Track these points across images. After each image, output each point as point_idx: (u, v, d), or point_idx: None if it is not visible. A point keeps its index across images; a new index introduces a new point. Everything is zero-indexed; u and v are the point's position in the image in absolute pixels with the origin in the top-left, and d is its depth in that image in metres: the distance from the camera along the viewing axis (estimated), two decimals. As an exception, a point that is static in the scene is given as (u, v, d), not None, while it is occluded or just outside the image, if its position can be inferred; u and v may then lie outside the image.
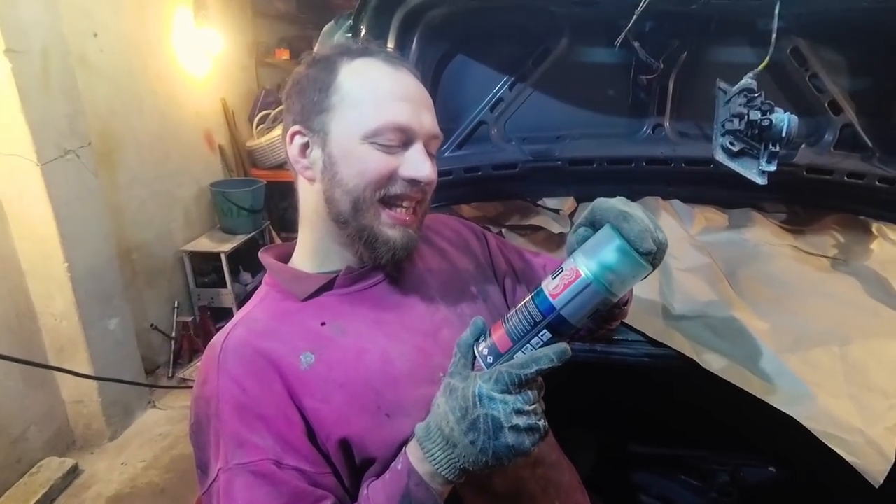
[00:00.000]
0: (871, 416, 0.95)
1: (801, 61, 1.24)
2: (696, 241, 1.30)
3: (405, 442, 0.59)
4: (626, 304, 0.81)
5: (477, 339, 0.58)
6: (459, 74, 1.33)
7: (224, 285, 2.80)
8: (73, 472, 2.08)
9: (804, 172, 1.27)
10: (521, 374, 0.53)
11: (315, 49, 1.42)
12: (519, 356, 0.55)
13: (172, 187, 2.76)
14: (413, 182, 0.65)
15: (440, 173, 1.34)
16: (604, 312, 0.57)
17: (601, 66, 1.30)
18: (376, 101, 0.65)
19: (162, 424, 2.34)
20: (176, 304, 2.75)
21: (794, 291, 1.18)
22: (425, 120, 0.67)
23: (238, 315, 0.69)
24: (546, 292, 0.55)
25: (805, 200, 1.36)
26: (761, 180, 0.94)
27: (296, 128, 0.68)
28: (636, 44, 1.07)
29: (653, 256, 0.56)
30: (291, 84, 0.70)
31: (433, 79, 1.32)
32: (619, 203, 0.59)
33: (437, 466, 0.54)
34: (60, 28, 1.99)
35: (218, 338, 0.65)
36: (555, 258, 0.93)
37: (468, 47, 1.30)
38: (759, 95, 0.93)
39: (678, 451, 1.50)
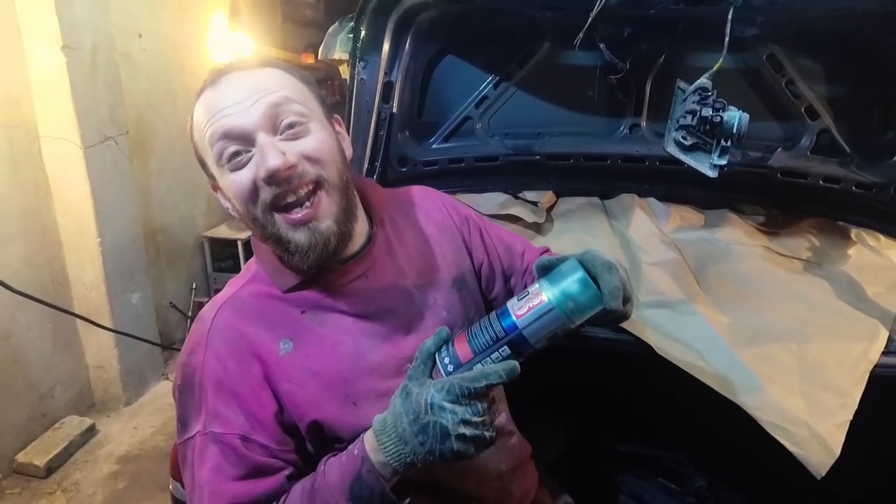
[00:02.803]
0: (822, 412, 0.96)
1: (777, 68, 1.28)
2: (668, 238, 1.32)
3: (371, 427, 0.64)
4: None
5: (440, 348, 0.62)
6: (448, 73, 1.42)
7: (239, 271, 2.91)
8: (91, 431, 2.26)
9: (778, 175, 1.30)
10: (470, 388, 0.57)
11: (320, 50, 1.55)
12: (471, 371, 0.59)
13: (197, 177, 2.87)
14: (271, 178, 0.63)
15: (426, 163, 1.46)
16: (561, 336, 0.61)
17: (581, 69, 1.37)
18: (205, 132, 0.66)
19: (172, 396, 2.50)
20: (194, 286, 2.93)
21: (761, 290, 1.19)
22: (252, 109, 0.64)
23: (229, 288, 0.75)
24: (511, 312, 0.60)
25: (780, 203, 1.38)
26: (712, 173, 0.98)
27: (210, 181, 0.72)
28: (602, 45, 1.14)
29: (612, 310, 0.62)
30: None
31: (424, 76, 1.42)
32: (608, 256, 0.65)
33: (388, 458, 0.58)
34: (109, 28, 2.21)
35: (208, 312, 0.71)
36: (534, 246, 0.97)
37: (457, 48, 1.39)
38: (712, 94, 0.98)
39: (654, 451, 1.51)
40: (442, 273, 0.82)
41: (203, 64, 2.91)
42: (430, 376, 0.61)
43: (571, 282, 0.60)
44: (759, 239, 1.34)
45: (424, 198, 0.90)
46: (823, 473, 0.91)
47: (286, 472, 0.66)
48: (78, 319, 2.29)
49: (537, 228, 1.40)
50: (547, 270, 0.65)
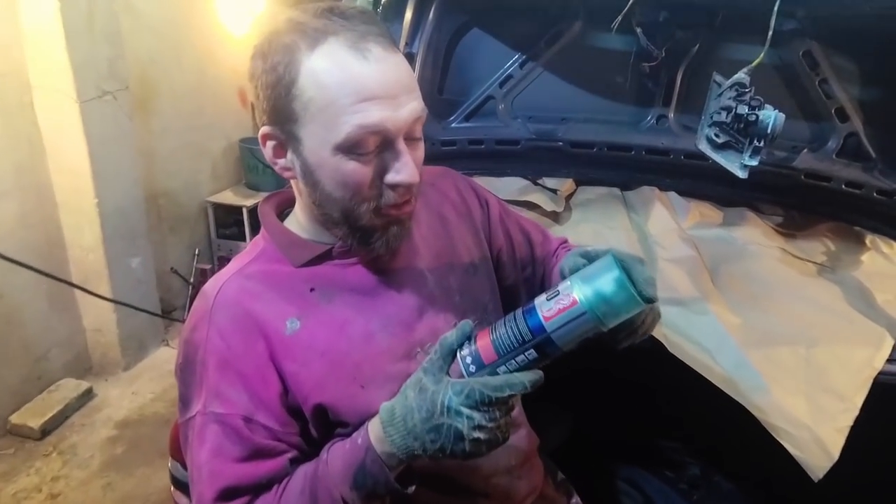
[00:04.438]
0: (823, 416, 0.97)
1: (812, 65, 1.24)
2: (686, 234, 1.31)
3: (377, 413, 0.61)
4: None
5: (462, 344, 0.59)
6: (473, 48, 1.37)
7: (243, 239, 2.91)
8: (88, 394, 2.24)
9: (802, 177, 1.28)
10: (492, 396, 0.54)
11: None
12: (494, 377, 0.56)
13: (203, 139, 2.85)
14: (402, 186, 0.62)
15: (445, 143, 1.42)
16: (592, 340, 0.58)
17: (612, 53, 1.32)
18: (340, 108, 0.58)
19: (172, 362, 2.44)
20: (197, 252, 2.87)
21: (774, 292, 1.19)
22: (402, 112, 0.60)
23: (233, 265, 0.70)
24: (539, 313, 0.56)
25: (801, 205, 1.36)
26: (742, 174, 0.96)
27: (267, 130, 0.63)
28: (638, 29, 1.09)
29: (650, 300, 0.58)
30: (255, 73, 0.62)
31: (447, 50, 1.36)
32: (635, 254, 0.62)
33: (394, 449, 0.57)
34: (110, -27, 2.08)
35: (211, 288, 0.67)
36: (552, 235, 0.95)
37: (483, 22, 1.34)
38: (750, 91, 0.95)
39: (651, 439, 1.54)
40: (457, 257, 0.80)
41: (210, 20, 2.77)
42: (448, 373, 0.59)
43: (606, 281, 0.55)
44: (776, 240, 1.33)
45: (442, 179, 0.86)
46: (821, 476, 0.93)
47: (289, 456, 0.64)
48: (76, 281, 2.25)
49: (555, 217, 1.38)
50: (578, 262, 0.63)
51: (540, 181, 1.45)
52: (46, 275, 2.03)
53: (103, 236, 2.19)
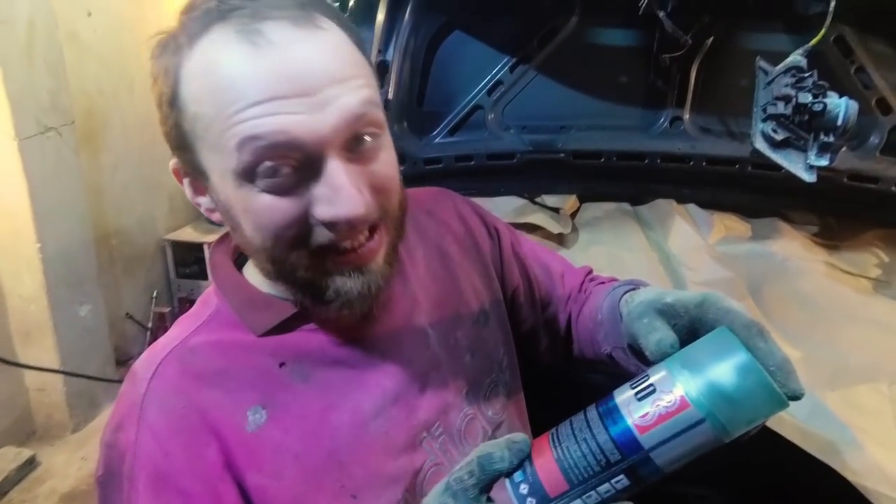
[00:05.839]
0: None
1: (846, 52, 1.10)
2: (715, 252, 1.14)
3: None
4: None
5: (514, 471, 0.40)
6: (455, 52, 1.22)
7: (205, 278, 2.70)
8: (30, 463, 1.96)
9: (845, 179, 1.12)
10: None
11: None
12: None
13: (158, 173, 2.65)
14: (334, 224, 0.44)
15: (428, 161, 1.24)
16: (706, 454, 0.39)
17: (615, 50, 1.18)
18: (224, 120, 0.41)
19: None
20: (154, 294, 2.65)
21: (831, 315, 1.02)
22: (325, 113, 0.41)
23: (174, 334, 0.52)
24: (628, 419, 0.37)
25: (843, 211, 1.21)
26: (809, 177, 0.78)
27: (174, 162, 0.49)
28: (661, 13, 0.92)
29: (795, 396, 0.39)
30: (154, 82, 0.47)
31: (426, 56, 1.20)
32: (747, 312, 0.41)
33: None
34: (50, 1, 1.91)
35: (144, 369, 0.50)
36: (574, 265, 0.77)
37: (466, 22, 1.19)
38: (811, 75, 0.78)
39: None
40: (464, 304, 0.62)
41: (165, 45, 2.61)
42: (489, 500, 0.38)
43: (729, 371, 0.36)
44: (819, 253, 1.16)
45: (440, 203, 0.68)
46: None
47: None
48: (16, 336, 1.99)
49: (561, 240, 1.19)
50: (656, 328, 0.42)
51: (539, 199, 1.27)
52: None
53: (46, 283, 1.95)
